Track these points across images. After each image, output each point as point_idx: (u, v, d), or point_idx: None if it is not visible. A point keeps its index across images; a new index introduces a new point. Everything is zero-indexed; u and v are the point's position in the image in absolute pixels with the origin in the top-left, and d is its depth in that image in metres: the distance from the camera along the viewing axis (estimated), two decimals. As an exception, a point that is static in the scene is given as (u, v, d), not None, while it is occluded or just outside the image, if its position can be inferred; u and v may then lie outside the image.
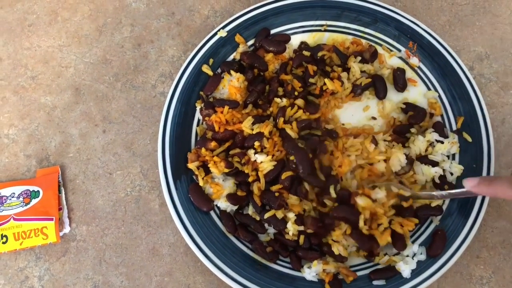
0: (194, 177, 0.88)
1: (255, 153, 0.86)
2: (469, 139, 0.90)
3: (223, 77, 0.94)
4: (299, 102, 0.90)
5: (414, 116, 0.92)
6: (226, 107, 0.89)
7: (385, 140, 0.89)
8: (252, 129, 0.87)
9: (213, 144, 0.87)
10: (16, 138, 0.96)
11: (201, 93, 0.93)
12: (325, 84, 0.91)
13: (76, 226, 0.89)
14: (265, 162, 0.84)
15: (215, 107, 0.90)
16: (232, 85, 0.92)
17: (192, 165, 0.87)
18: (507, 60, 1.02)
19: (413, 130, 0.90)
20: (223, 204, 0.85)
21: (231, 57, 0.97)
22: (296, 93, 0.91)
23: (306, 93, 0.92)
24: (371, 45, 0.97)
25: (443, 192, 0.82)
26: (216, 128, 0.89)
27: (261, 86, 0.92)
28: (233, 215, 0.86)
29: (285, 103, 0.90)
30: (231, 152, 0.88)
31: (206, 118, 0.91)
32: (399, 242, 0.82)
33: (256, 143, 0.86)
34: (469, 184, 0.76)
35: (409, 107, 0.93)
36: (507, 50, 1.03)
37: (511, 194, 0.71)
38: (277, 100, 0.91)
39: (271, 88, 0.93)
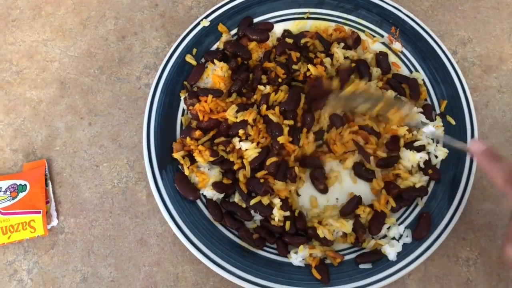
0: (180, 167, 0.88)
1: (240, 141, 0.86)
2: (453, 122, 0.90)
3: (206, 67, 0.94)
4: (283, 88, 0.91)
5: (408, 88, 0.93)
6: (210, 96, 0.90)
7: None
8: (236, 117, 0.87)
9: (197, 133, 0.88)
10: (2, 133, 0.96)
11: (185, 83, 0.93)
12: (308, 70, 0.92)
13: (64, 219, 0.90)
14: (249, 150, 0.85)
15: (199, 97, 0.90)
16: (216, 74, 0.92)
17: (177, 155, 0.87)
18: (490, 43, 1.03)
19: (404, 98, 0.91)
20: (209, 192, 0.86)
21: (215, 46, 0.97)
22: (280, 80, 0.91)
23: (290, 80, 0.93)
24: (353, 32, 0.98)
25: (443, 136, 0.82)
26: (201, 117, 0.89)
27: (245, 75, 0.93)
28: (220, 203, 0.86)
29: (268, 90, 0.90)
30: (216, 141, 0.88)
31: (190, 108, 0.91)
32: (376, 223, 0.83)
33: (241, 131, 0.86)
34: (475, 147, 0.72)
35: (398, 78, 0.94)
36: (489, 33, 1.04)
37: (501, 184, 0.67)
38: (261, 87, 0.91)
39: (255, 76, 0.93)
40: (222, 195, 0.87)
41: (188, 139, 0.88)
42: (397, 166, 0.87)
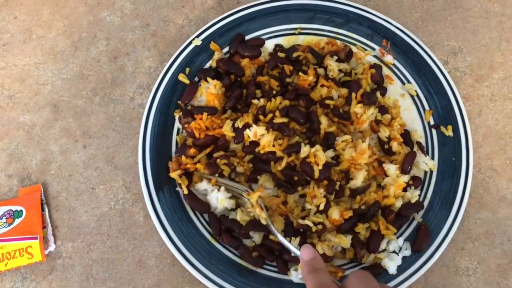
0: (178, 187, 0.88)
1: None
2: (447, 133, 0.91)
3: (200, 85, 0.95)
4: (278, 99, 0.90)
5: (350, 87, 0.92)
6: (205, 114, 0.90)
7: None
8: (234, 131, 0.88)
9: (192, 150, 0.88)
10: (-4, 159, 0.95)
11: (179, 102, 0.93)
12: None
13: (62, 243, 0.89)
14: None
15: (194, 115, 0.90)
16: (209, 92, 0.92)
17: (174, 174, 0.87)
18: (480, 52, 1.04)
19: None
20: (221, 206, 0.86)
21: (207, 64, 0.98)
22: (274, 91, 0.91)
23: (284, 92, 0.93)
24: (346, 45, 0.98)
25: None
26: (197, 135, 0.89)
27: (239, 91, 0.93)
28: (219, 218, 0.86)
29: (263, 103, 0.90)
30: (215, 155, 0.87)
31: (186, 126, 0.91)
32: (374, 241, 0.83)
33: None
34: (303, 254, 0.70)
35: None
36: (479, 42, 1.05)
37: None
38: (255, 101, 0.91)
39: (249, 92, 0.93)
40: (229, 206, 0.86)
41: (183, 157, 0.88)
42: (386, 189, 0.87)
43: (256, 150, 0.86)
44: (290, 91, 0.91)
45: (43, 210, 0.90)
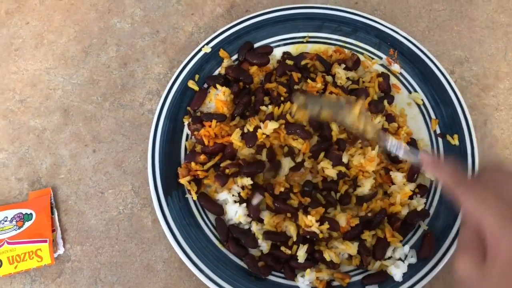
0: (187, 193, 0.89)
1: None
2: (453, 142, 0.92)
3: (209, 92, 0.96)
4: (288, 104, 0.91)
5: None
6: (214, 121, 0.91)
7: None
8: (242, 139, 0.89)
9: (202, 157, 0.88)
10: (7, 162, 0.96)
11: (189, 108, 0.95)
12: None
13: (70, 247, 0.90)
14: None
15: (203, 122, 0.91)
16: (218, 99, 0.93)
17: (183, 180, 0.88)
18: (486, 62, 1.05)
19: None
20: (236, 220, 0.87)
21: (216, 72, 0.99)
22: (282, 98, 0.93)
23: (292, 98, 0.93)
24: (353, 54, 0.99)
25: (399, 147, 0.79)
26: (206, 142, 0.90)
27: (247, 98, 0.94)
28: (228, 227, 0.87)
29: (271, 110, 0.91)
30: (222, 165, 0.88)
31: (195, 133, 0.92)
32: (380, 248, 0.84)
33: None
34: (425, 158, 0.70)
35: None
36: (485, 52, 1.06)
37: (450, 183, 0.63)
38: (263, 108, 0.92)
39: (257, 99, 0.94)
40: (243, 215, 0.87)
41: (193, 163, 0.89)
42: (392, 196, 0.88)
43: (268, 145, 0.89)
44: None
45: (52, 213, 0.91)
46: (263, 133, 0.88)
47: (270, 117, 0.90)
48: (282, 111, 0.91)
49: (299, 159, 0.89)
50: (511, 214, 0.54)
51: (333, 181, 0.87)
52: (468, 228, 0.60)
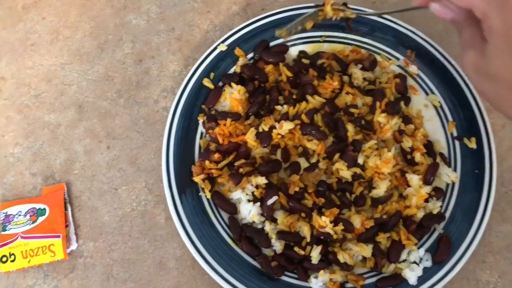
0: (201, 191, 0.89)
1: None
2: (470, 145, 0.90)
3: (224, 90, 0.95)
4: (303, 104, 0.91)
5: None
6: (229, 120, 0.90)
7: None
8: (257, 139, 0.88)
9: (216, 155, 0.88)
10: (21, 157, 0.97)
11: (203, 106, 0.94)
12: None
13: (83, 243, 0.90)
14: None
15: (218, 120, 0.91)
16: (233, 97, 0.93)
17: (197, 178, 0.87)
18: (505, 65, 1.03)
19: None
20: (250, 219, 0.87)
21: (232, 70, 0.98)
22: (294, 96, 0.93)
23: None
24: (370, 54, 0.98)
25: None
26: (220, 141, 0.90)
27: (262, 97, 0.93)
28: (242, 226, 0.87)
29: (286, 109, 0.90)
30: (236, 164, 0.88)
31: (210, 131, 0.91)
32: (394, 251, 0.83)
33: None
34: None
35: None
36: (504, 55, 1.04)
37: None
38: (278, 107, 0.92)
39: (271, 98, 0.93)
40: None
41: (207, 162, 0.88)
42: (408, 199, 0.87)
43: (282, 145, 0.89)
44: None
45: (66, 209, 0.91)
46: (278, 134, 0.87)
47: (285, 117, 0.89)
48: (297, 111, 0.90)
49: (313, 160, 0.88)
50: None
51: (348, 182, 0.87)
52: (465, 28, 0.64)
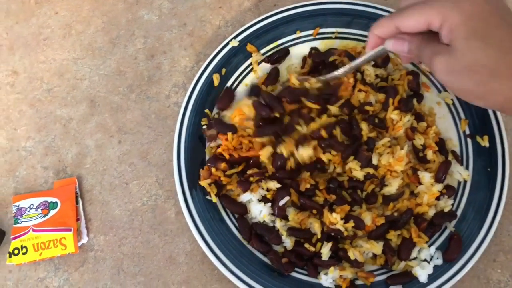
0: (208, 195, 0.88)
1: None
2: (483, 143, 0.90)
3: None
4: (324, 117, 0.88)
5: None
6: (230, 134, 0.89)
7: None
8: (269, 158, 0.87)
9: (223, 165, 0.87)
10: (34, 151, 0.97)
11: (207, 111, 0.93)
12: None
13: (94, 236, 0.90)
14: None
15: (218, 134, 0.90)
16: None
17: (204, 183, 0.87)
18: (519, 63, 1.02)
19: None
20: (260, 219, 0.87)
21: (243, 66, 0.98)
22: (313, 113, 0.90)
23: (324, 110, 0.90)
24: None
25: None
26: (227, 156, 0.88)
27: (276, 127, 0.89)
28: (252, 225, 0.86)
29: (306, 130, 0.87)
30: (248, 172, 0.86)
31: (213, 143, 0.91)
32: (405, 249, 0.83)
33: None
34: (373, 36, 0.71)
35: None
36: (518, 53, 1.03)
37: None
38: (299, 128, 0.87)
39: (291, 121, 0.88)
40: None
41: (213, 169, 0.88)
42: (419, 196, 0.87)
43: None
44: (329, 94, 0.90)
45: (77, 203, 0.92)
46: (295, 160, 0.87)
47: (303, 137, 0.87)
48: (318, 125, 0.87)
49: (330, 170, 0.87)
50: None
51: (359, 181, 0.86)
52: (424, 48, 0.65)
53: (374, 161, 0.85)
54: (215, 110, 0.95)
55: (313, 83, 0.89)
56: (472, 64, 0.59)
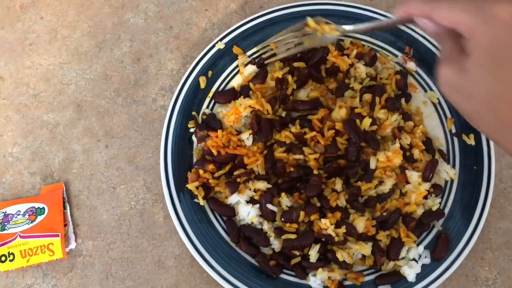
0: (195, 198, 0.88)
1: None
2: (469, 141, 0.90)
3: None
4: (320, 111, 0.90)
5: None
6: (220, 131, 0.89)
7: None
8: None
9: (210, 167, 0.87)
10: (20, 156, 0.97)
11: (194, 113, 0.93)
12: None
13: (82, 242, 0.90)
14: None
15: (209, 132, 0.90)
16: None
17: (191, 186, 0.87)
18: (504, 61, 1.03)
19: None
20: (248, 221, 0.87)
21: (230, 68, 0.97)
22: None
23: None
24: (371, 49, 0.97)
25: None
26: (215, 153, 0.88)
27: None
28: (240, 227, 0.86)
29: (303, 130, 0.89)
30: (235, 173, 0.87)
31: (202, 144, 0.90)
32: (394, 249, 0.83)
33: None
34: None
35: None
36: (503, 51, 1.04)
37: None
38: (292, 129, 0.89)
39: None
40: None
41: (201, 171, 0.88)
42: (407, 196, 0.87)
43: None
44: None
45: (64, 208, 0.92)
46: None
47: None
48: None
49: (315, 172, 0.87)
50: (483, 6, 0.55)
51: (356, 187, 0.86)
52: (445, 41, 0.60)
53: (372, 165, 0.85)
54: (202, 111, 0.95)
55: (328, 29, 0.85)
56: (475, 93, 0.56)
